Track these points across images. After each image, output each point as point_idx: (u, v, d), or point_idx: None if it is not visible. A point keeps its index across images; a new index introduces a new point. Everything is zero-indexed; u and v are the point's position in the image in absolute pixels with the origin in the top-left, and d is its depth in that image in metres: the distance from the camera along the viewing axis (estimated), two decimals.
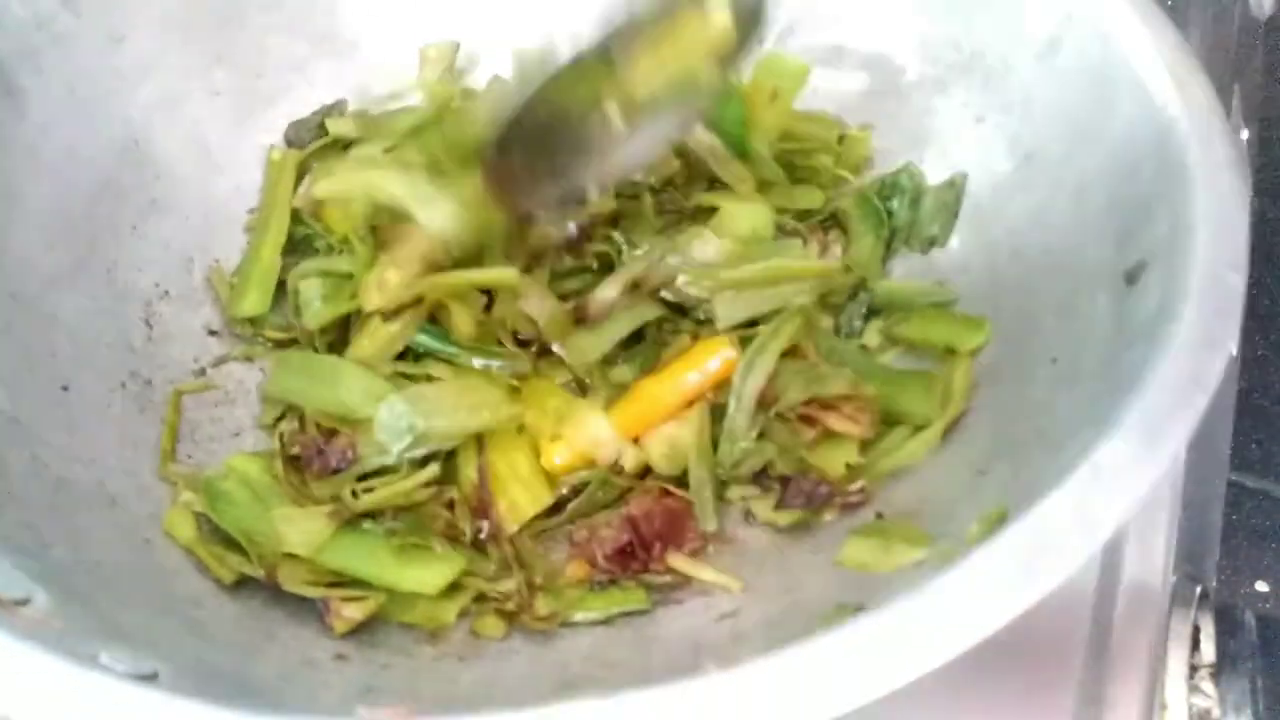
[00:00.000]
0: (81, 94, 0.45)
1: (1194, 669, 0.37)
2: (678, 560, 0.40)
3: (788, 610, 0.37)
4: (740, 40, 0.38)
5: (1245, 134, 0.58)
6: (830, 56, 0.49)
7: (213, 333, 0.46)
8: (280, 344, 0.46)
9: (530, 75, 0.38)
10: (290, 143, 0.50)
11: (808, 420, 0.41)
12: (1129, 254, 0.36)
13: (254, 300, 0.46)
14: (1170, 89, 0.38)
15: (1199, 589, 0.39)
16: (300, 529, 0.38)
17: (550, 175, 0.41)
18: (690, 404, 0.41)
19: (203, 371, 0.45)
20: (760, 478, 0.41)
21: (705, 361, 0.41)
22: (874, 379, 0.42)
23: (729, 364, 0.41)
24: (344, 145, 0.49)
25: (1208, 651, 0.38)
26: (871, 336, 0.45)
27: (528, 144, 0.39)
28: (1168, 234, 0.35)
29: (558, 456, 0.41)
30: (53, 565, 0.33)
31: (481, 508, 0.40)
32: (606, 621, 0.39)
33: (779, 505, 0.40)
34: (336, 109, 0.51)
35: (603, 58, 0.37)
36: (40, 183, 0.43)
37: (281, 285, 0.46)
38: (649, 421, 0.41)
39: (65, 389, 0.40)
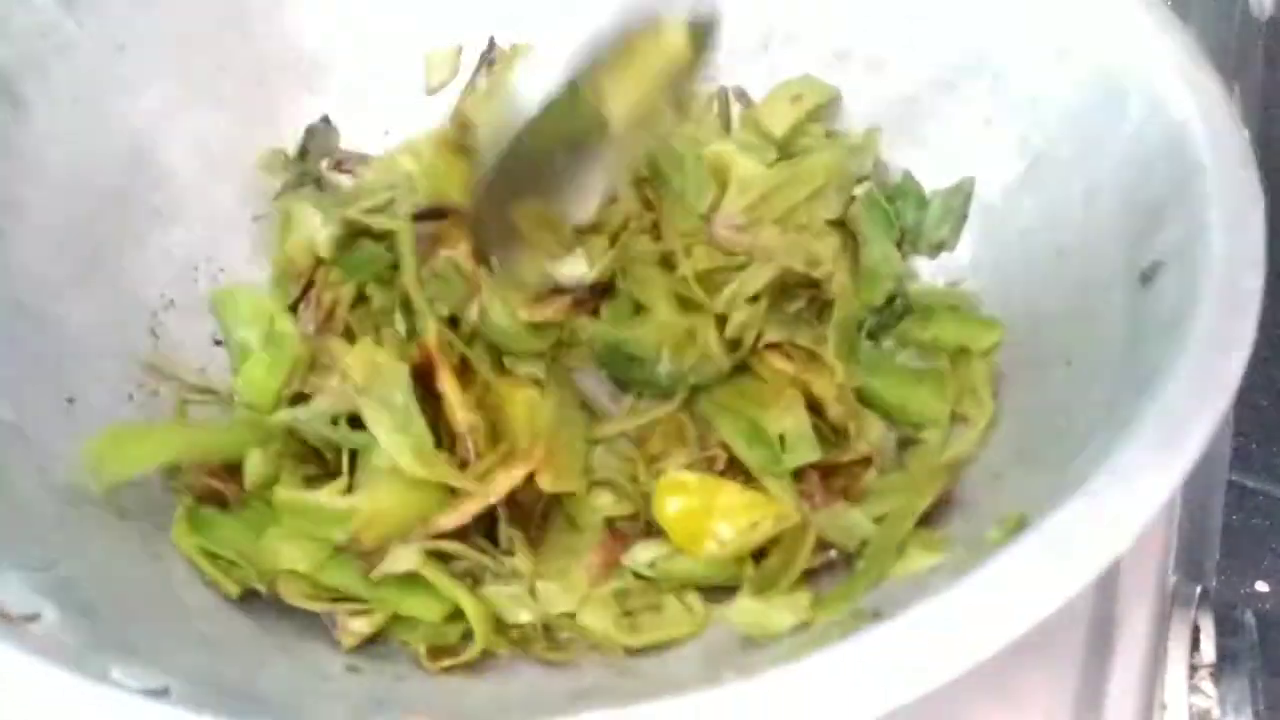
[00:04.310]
0: (85, 103, 0.44)
1: (1194, 669, 0.37)
2: None
3: None
4: (694, 59, 0.37)
5: (1245, 134, 0.58)
6: (836, 60, 0.49)
7: (218, 342, 0.46)
8: None
9: (503, 127, 0.36)
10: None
11: None
12: (1143, 255, 0.36)
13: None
14: (1181, 88, 0.37)
15: (1199, 589, 0.39)
16: (299, 546, 0.37)
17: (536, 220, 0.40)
18: None
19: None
20: None
21: None
22: (887, 377, 0.41)
23: None
24: None
25: (1208, 651, 0.38)
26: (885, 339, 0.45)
27: (510, 194, 0.38)
28: (1183, 234, 0.35)
29: None
30: (61, 580, 0.33)
31: None
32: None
33: None
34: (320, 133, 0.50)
35: (572, 95, 0.36)
36: (45, 192, 0.42)
37: None
38: None
39: (71, 400, 0.40)
